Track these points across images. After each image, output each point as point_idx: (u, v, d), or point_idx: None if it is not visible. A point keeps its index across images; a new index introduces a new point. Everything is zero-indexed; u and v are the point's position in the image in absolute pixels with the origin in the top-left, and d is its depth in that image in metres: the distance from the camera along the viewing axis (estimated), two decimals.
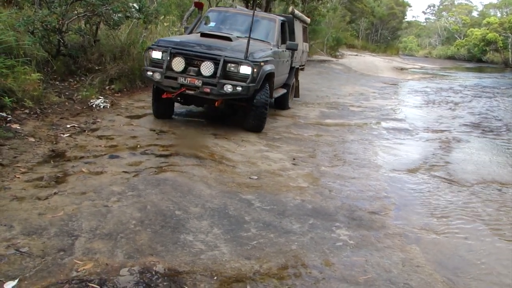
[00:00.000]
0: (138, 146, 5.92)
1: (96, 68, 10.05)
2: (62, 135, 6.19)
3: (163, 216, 3.84)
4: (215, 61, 6.63)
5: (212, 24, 8.60)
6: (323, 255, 3.54)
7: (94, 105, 8.11)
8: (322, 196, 4.84)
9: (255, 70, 6.70)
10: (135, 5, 10.24)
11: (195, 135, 6.83)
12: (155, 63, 6.89)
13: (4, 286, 2.72)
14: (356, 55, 41.19)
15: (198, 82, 6.61)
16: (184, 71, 6.68)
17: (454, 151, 7.69)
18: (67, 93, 8.56)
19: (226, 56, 6.66)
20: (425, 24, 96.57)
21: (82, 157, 5.25)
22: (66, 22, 9.15)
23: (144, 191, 4.33)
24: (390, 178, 5.82)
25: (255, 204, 4.35)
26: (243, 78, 6.71)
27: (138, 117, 7.69)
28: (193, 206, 4.13)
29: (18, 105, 6.87)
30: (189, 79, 6.64)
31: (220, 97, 6.80)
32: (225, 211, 4.11)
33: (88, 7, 9.16)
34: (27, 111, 6.88)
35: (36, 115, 6.88)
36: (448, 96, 16.36)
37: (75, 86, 9.21)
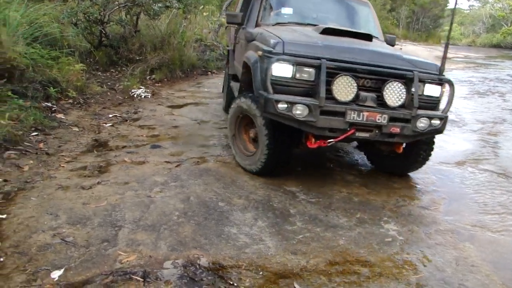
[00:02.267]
0: (180, 135, 5.87)
1: (137, 58, 10.12)
2: (104, 124, 6.22)
3: (206, 207, 3.75)
4: (403, 80, 4.17)
5: (288, 10, 5.70)
6: (372, 251, 3.36)
7: (135, 95, 8.14)
8: (368, 189, 4.65)
9: (443, 90, 4.51)
10: None
11: None
12: (282, 86, 4.02)
13: (51, 275, 2.69)
14: (397, 44, 40.12)
15: (381, 118, 4.08)
16: (355, 99, 4.08)
17: (503, 143, 7.29)
18: (109, 83, 8.64)
19: (420, 72, 4.26)
20: (468, 11, 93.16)
21: (124, 147, 5.24)
22: (108, 13, 9.23)
23: (187, 181, 4.26)
24: (438, 171, 5.55)
25: (300, 197, 4.21)
26: (430, 104, 4.47)
27: (179, 106, 7.66)
28: (236, 197, 4.03)
29: (62, 95, 6.96)
30: (365, 113, 4.04)
31: (411, 139, 4.40)
32: (270, 203, 3.99)
33: None
34: (70, 101, 6.95)
35: (79, 105, 6.95)
36: (495, 86, 15.64)
37: (116, 76, 9.29)
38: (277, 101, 3.89)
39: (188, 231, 3.33)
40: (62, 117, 6.18)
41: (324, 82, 3.89)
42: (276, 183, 4.47)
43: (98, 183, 4.08)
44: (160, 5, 9.57)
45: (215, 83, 10.20)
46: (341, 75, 3.94)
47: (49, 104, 6.36)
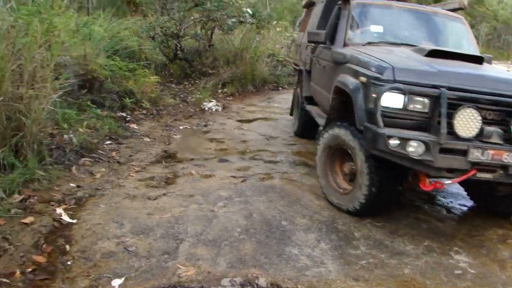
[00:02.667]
0: (248, 150, 5.87)
1: (210, 71, 10.35)
2: (174, 136, 6.35)
3: (268, 225, 3.68)
4: None
5: (378, 28, 5.09)
6: (440, 283, 3.11)
7: (206, 108, 8.29)
8: (439, 215, 4.36)
9: None
10: (248, 10, 10.37)
11: (305, 142, 6.62)
12: (390, 118, 3.50)
13: (112, 283, 2.73)
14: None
15: (509, 157, 3.44)
16: (479, 135, 3.46)
17: None
18: (181, 96, 8.87)
19: None
20: None
21: (192, 159, 5.31)
22: (184, 27, 9.52)
23: (251, 197, 4.22)
24: None
25: (366, 220, 4.01)
26: None
27: (249, 121, 7.70)
28: (300, 217, 3.92)
29: (137, 106, 7.22)
30: (491, 152, 3.43)
31: None
32: (334, 224, 3.84)
33: (204, 13, 9.43)
34: (144, 111, 7.20)
35: (152, 116, 7.18)
36: None
37: (189, 89, 9.53)
38: (389, 137, 3.35)
39: (248, 248, 3.27)
40: (135, 127, 6.40)
41: (445, 115, 3.32)
42: None
43: (164, 194, 4.14)
44: (234, 20, 9.74)
45: (285, 99, 10.17)
46: (464, 107, 3.36)
47: (124, 114, 6.62)
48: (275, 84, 11.50)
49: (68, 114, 5.15)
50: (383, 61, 3.74)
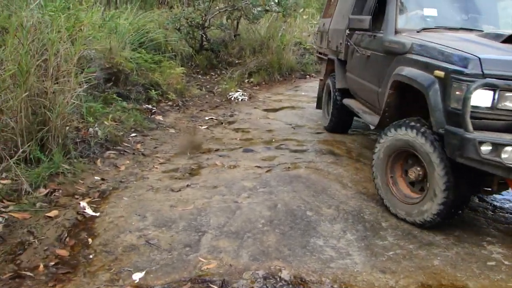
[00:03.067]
0: (273, 140, 5.78)
1: (236, 61, 10.28)
2: (200, 127, 6.33)
3: (293, 216, 3.59)
4: None
5: (431, 11, 4.57)
6: (471, 275, 2.94)
7: (232, 98, 8.24)
8: (472, 202, 4.16)
9: None
10: None
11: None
12: (476, 119, 3.02)
13: (133, 276, 2.71)
14: None
15: None
16: None
17: None
18: (207, 86, 8.85)
19: None
20: None
21: (217, 150, 5.26)
22: (209, 17, 9.46)
23: (275, 188, 4.13)
24: None
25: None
26: None
27: (275, 110, 7.60)
28: (326, 207, 3.81)
29: (162, 97, 7.24)
30: None
31: None
32: (361, 214, 3.72)
33: (229, 2, 9.35)
34: (170, 103, 7.20)
35: (178, 107, 7.17)
36: None
37: (215, 80, 9.50)
38: (481, 143, 2.89)
39: (272, 240, 3.19)
40: (161, 118, 6.40)
41: None
42: (370, 193, 4.18)
43: (188, 186, 4.10)
44: (259, 9, 9.64)
45: (312, 87, 9.98)
46: None
47: (150, 106, 6.63)
48: (302, 72, 11.32)
49: (94, 108, 5.18)
50: (463, 51, 3.20)
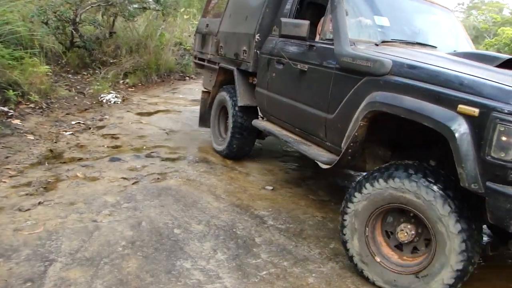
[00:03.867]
0: (144, 147, 5.42)
1: (111, 61, 9.67)
2: (64, 132, 5.75)
3: (159, 235, 3.30)
4: None
5: (383, 21, 3.84)
6: None
7: (104, 100, 7.69)
8: None
9: None
10: None
11: (208, 135, 6.22)
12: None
13: None
14: None
15: None
16: None
17: None
18: (78, 87, 8.16)
19: None
20: None
21: (80, 159, 4.78)
22: (80, 12, 8.75)
23: (141, 202, 3.80)
24: None
25: (268, 222, 3.77)
26: None
27: (149, 114, 7.21)
28: (195, 222, 3.58)
29: (23, 99, 6.47)
30: None
31: None
32: (233, 230, 3.54)
33: None
34: (32, 105, 6.47)
35: (41, 110, 6.47)
36: None
37: (87, 80, 8.82)
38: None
39: (132, 266, 2.87)
40: (19, 123, 5.70)
41: None
42: (243, 205, 4.03)
43: (40, 203, 3.61)
44: (136, 6, 9.14)
45: (191, 89, 9.75)
46: None
47: (5, 109, 5.87)
48: (181, 74, 11.02)
49: None
50: (495, 81, 2.45)
